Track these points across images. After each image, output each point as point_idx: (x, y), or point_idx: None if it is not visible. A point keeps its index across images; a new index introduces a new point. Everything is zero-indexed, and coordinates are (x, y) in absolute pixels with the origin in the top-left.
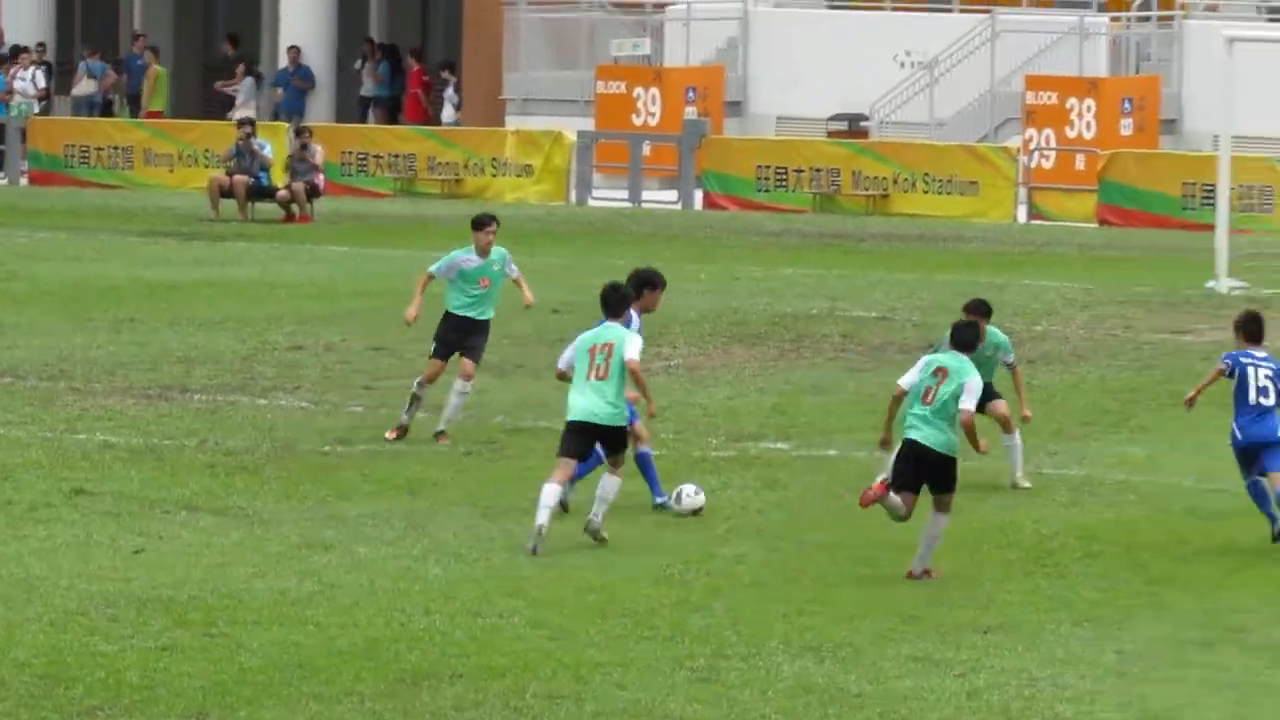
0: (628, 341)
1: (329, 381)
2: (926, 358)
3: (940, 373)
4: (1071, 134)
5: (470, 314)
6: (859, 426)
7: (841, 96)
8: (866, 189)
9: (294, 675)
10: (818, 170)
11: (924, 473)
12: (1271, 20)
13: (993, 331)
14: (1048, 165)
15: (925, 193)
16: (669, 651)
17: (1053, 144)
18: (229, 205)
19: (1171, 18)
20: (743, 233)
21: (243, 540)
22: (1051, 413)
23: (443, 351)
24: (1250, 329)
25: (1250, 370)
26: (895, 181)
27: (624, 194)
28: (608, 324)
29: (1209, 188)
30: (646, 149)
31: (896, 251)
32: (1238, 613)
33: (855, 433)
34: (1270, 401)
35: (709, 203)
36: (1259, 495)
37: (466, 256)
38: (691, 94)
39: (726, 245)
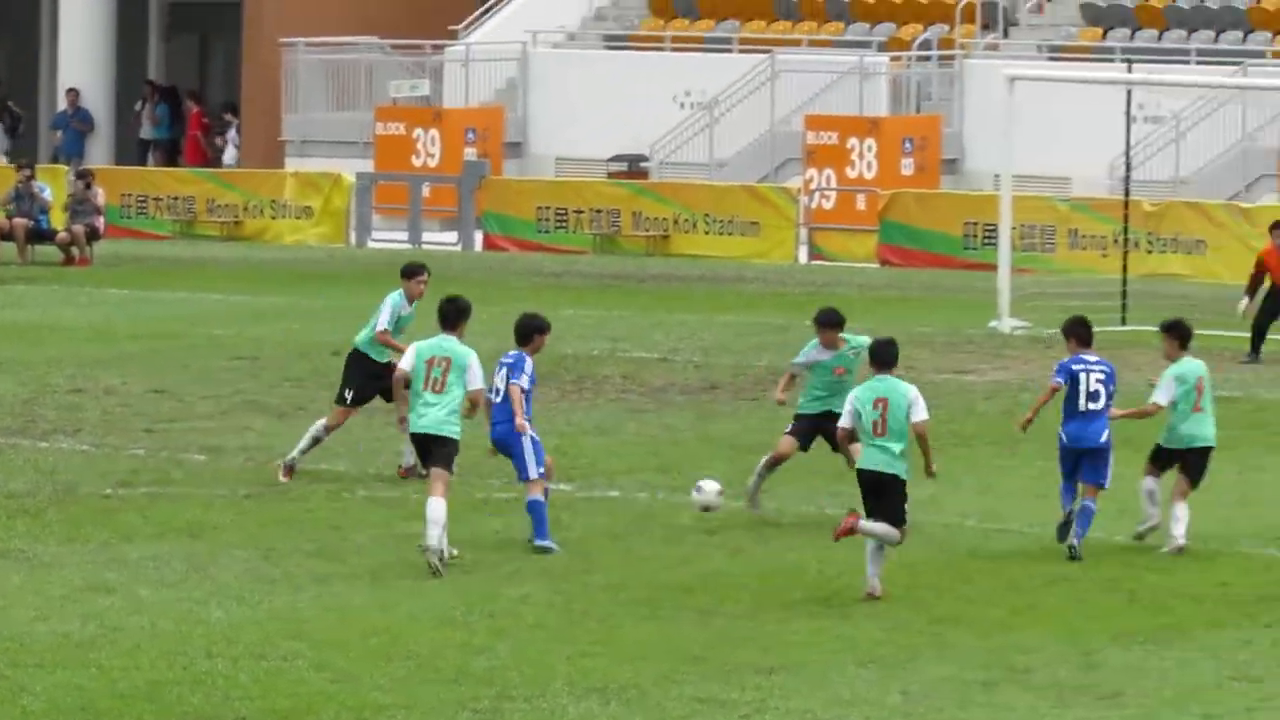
0: (469, 367)
1: (110, 424)
2: (854, 393)
3: (880, 403)
4: (852, 174)
5: (384, 358)
6: (641, 467)
7: (621, 137)
8: (647, 230)
9: (77, 718)
10: (598, 211)
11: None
12: (1052, 59)
13: (848, 337)
14: (828, 205)
15: (706, 233)
16: (453, 694)
17: (833, 184)
18: (8, 248)
19: (952, 57)
20: (523, 274)
21: (24, 583)
22: (835, 453)
23: (358, 401)
24: (1080, 333)
25: (1082, 375)
26: (676, 222)
27: (404, 235)
28: (445, 336)
29: (991, 227)
30: (426, 190)
31: (677, 292)
32: (1021, 652)
33: (637, 473)
34: (1099, 405)
35: (489, 244)
36: (1069, 497)
37: (403, 304)
38: (471, 135)
39: (507, 287)
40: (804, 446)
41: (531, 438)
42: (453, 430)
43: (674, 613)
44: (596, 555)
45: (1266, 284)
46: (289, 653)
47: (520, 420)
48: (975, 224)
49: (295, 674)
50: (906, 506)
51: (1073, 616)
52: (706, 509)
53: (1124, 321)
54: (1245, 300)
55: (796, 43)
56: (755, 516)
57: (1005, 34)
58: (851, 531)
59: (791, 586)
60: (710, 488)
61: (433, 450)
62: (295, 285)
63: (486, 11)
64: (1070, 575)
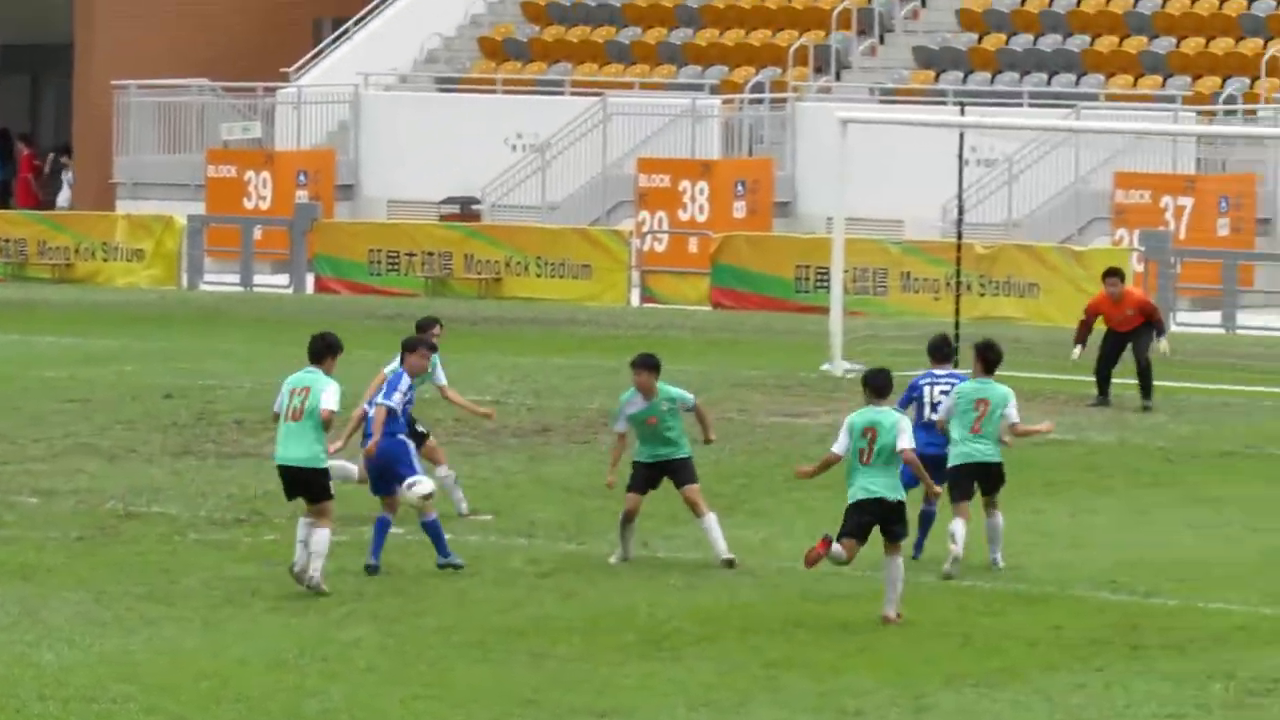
0: (324, 389)
1: None
2: (849, 421)
3: (869, 432)
4: (684, 216)
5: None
6: (473, 510)
7: (453, 180)
8: (479, 272)
9: None
10: (430, 254)
11: (877, 520)
12: (884, 102)
13: (664, 387)
14: (660, 248)
15: (538, 276)
16: None
17: (665, 226)
18: None
19: (785, 100)
20: (355, 316)
21: None
22: (665, 496)
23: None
24: (938, 351)
25: (926, 389)
26: (508, 265)
27: (235, 278)
28: (310, 369)
29: (823, 270)
30: (258, 233)
31: (510, 335)
32: (853, 695)
33: (469, 516)
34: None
35: (321, 286)
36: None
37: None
38: (303, 178)
39: (339, 329)
40: (645, 493)
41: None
42: (319, 462)
43: (506, 656)
44: (428, 598)
45: (1102, 327)
46: (120, 695)
47: (373, 441)
48: (808, 267)
49: (126, 717)
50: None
51: (905, 659)
52: (425, 497)
53: (956, 365)
54: (1078, 348)
55: (628, 86)
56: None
57: (838, 77)
58: (820, 559)
59: (623, 629)
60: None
61: (302, 487)
62: (127, 328)
63: (318, 54)
64: (904, 618)
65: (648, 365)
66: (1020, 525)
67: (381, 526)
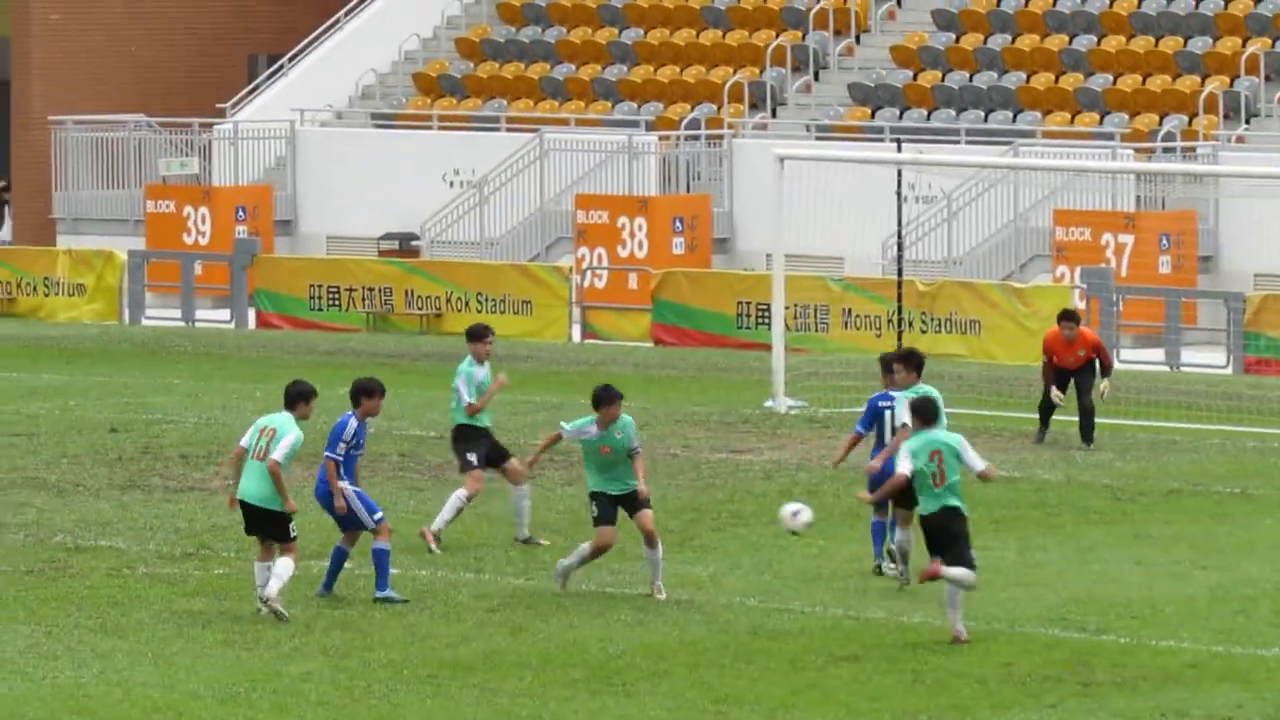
0: (281, 439)
1: None
2: (907, 446)
3: (936, 455)
4: (624, 253)
5: (484, 423)
6: (420, 545)
7: (391, 216)
8: (420, 308)
9: None
10: (370, 289)
11: (948, 540)
12: (821, 138)
13: (625, 418)
14: (600, 284)
15: (479, 311)
16: None
17: (605, 263)
18: None
19: (721, 136)
20: (296, 351)
21: None
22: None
23: (484, 463)
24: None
25: (887, 412)
26: (448, 300)
27: (177, 313)
28: (284, 413)
29: (764, 306)
30: (198, 268)
31: (452, 371)
32: None
33: (417, 551)
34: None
35: (262, 322)
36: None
37: (475, 369)
38: (241, 213)
39: (280, 364)
40: (616, 523)
41: (355, 490)
42: (278, 504)
43: (456, 690)
44: (377, 632)
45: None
46: None
47: (336, 499)
48: (748, 303)
49: None
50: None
51: (854, 696)
52: (802, 528)
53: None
54: (1055, 390)
55: (564, 122)
56: (556, 590)
57: (774, 113)
58: (935, 576)
59: (573, 664)
60: (794, 511)
61: (264, 525)
62: (70, 362)
63: (254, 90)
64: (853, 655)
65: (618, 398)
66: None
67: (337, 556)
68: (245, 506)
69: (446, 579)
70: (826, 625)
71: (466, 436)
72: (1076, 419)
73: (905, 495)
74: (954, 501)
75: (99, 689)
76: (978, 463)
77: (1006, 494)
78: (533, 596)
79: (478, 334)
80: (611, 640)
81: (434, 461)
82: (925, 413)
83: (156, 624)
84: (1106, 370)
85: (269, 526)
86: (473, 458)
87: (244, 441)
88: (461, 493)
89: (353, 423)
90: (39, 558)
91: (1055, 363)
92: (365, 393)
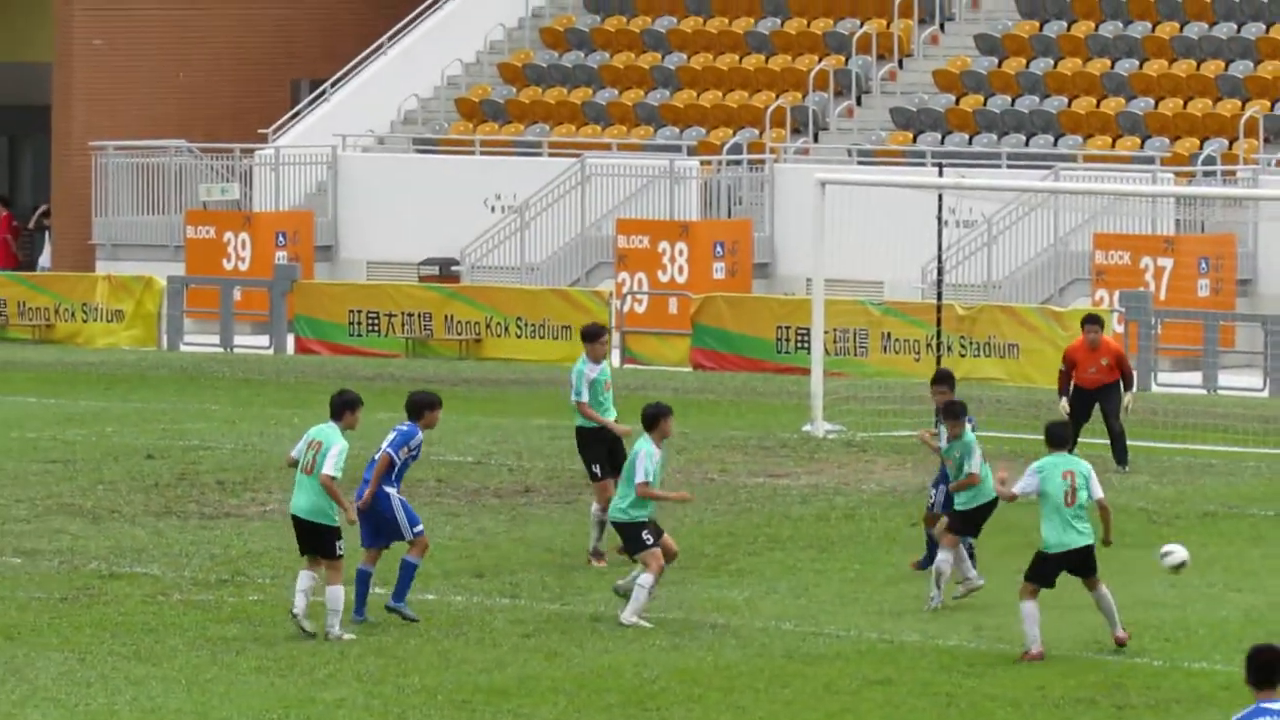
0: (330, 449)
1: None
2: (1036, 467)
3: (1069, 475)
4: (664, 278)
5: (606, 419)
6: (456, 571)
7: (432, 241)
8: (459, 333)
9: None
10: (410, 314)
11: (1075, 566)
12: (862, 163)
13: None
14: (640, 309)
15: (518, 337)
16: None
17: (645, 288)
18: None
19: (762, 161)
20: (335, 377)
21: None
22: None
23: (608, 469)
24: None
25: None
26: (488, 325)
27: (215, 339)
28: (330, 423)
29: (803, 331)
30: (237, 294)
31: (491, 396)
32: None
33: (453, 577)
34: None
35: (301, 348)
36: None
37: (589, 369)
38: (282, 238)
39: (319, 390)
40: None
41: (400, 500)
42: (327, 518)
43: (490, 716)
44: (412, 658)
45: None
46: None
47: (368, 491)
48: (788, 328)
49: None
50: None
51: None
52: (1180, 565)
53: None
54: (1064, 400)
55: (606, 147)
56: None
57: (815, 138)
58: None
59: (608, 689)
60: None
61: (311, 540)
62: (108, 388)
63: (296, 115)
64: (887, 678)
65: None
66: (1002, 586)
67: (362, 579)
68: (295, 520)
69: (482, 604)
70: (861, 649)
71: (587, 440)
72: (1108, 442)
73: (961, 519)
74: (1087, 523)
75: (132, 716)
76: (1099, 490)
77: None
78: (568, 621)
79: (593, 334)
80: (646, 665)
81: (470, 487)
82: (1058, 438)
83: (190, 651)
84: (1129, 382)
85: (316, 541)
86: (597, 468)
87: (294, 452)
88: (595, 506)
89: (420, 433)
90: (73, 585)
91: (1075, 377)
92: (428, 405)
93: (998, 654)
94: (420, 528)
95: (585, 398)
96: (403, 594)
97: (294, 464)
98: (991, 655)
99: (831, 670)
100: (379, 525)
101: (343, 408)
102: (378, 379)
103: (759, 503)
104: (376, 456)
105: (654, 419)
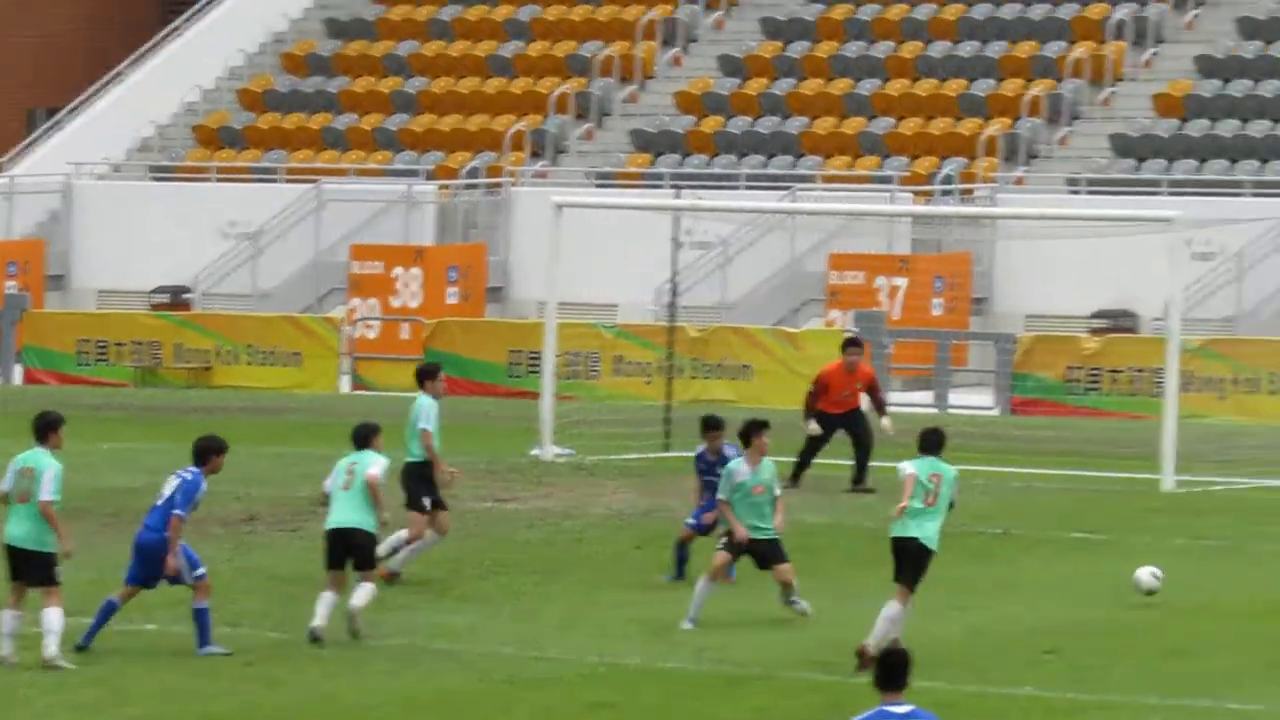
0: (44, 477)
1: None
2: (912, 467)
3: (935, 477)
4: (397, 303)
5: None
6: (177, 600)
7: (166, 269)
8: (189, 362)
9: None
10: (139, 343)
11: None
12: (601, 185)
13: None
14: (372, 335)
15: (249, 364)
16: None
17: (377, 313)
18: None
19: (500, 185)
20: (62, 407)
21: None
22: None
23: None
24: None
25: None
26: (218, 354)
27: None
28: (36, 449)
29: (536, 355)
30: None
31: (219, 424)
32: None
33: (174, 606)
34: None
35: (30, 378)
36: None
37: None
38: (12, 268)
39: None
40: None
41: (180, 544)
42: (45, 545)
43: None
44: (132, 689)
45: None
46: None
47: (171, 558)
48: (520, 352)
49: None
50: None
51: None
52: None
53: (667, 448)
54: (812, 422)
55: (343, 172)
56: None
57: (554, 161)
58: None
59: (327, 715)
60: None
61: (28, 570)
62: None
63: (30, 143)
64: (609, 702)
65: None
66: (726, 608)
67: (105, 611)
68: (9, 550)
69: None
70: (583, 673)
71: (418, 474)
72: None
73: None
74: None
75: None
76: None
77: None
78: (289, 650)
79: (432, 373)
80: (367, 690)
81: (195, 516)
82: (932, 443)
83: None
84: (881, 407)
85: (34, 570)
86: (427, 501)
87: (3, 485)
88: (403, 534)
89: (204, 483)
90: None
91: (825, 402)
92: (216, 451)
93: (719, 676)
94: (201, 570)
95: (433, 428)
96: (208, 638)
97: (3, 498)
98: (713, 677)
99: (553, 694)
100: (152, 568)
101: (46, 429)
102: (104, 408)
103: (485, 527)
104: (159, 503)
105: (364, 438)
